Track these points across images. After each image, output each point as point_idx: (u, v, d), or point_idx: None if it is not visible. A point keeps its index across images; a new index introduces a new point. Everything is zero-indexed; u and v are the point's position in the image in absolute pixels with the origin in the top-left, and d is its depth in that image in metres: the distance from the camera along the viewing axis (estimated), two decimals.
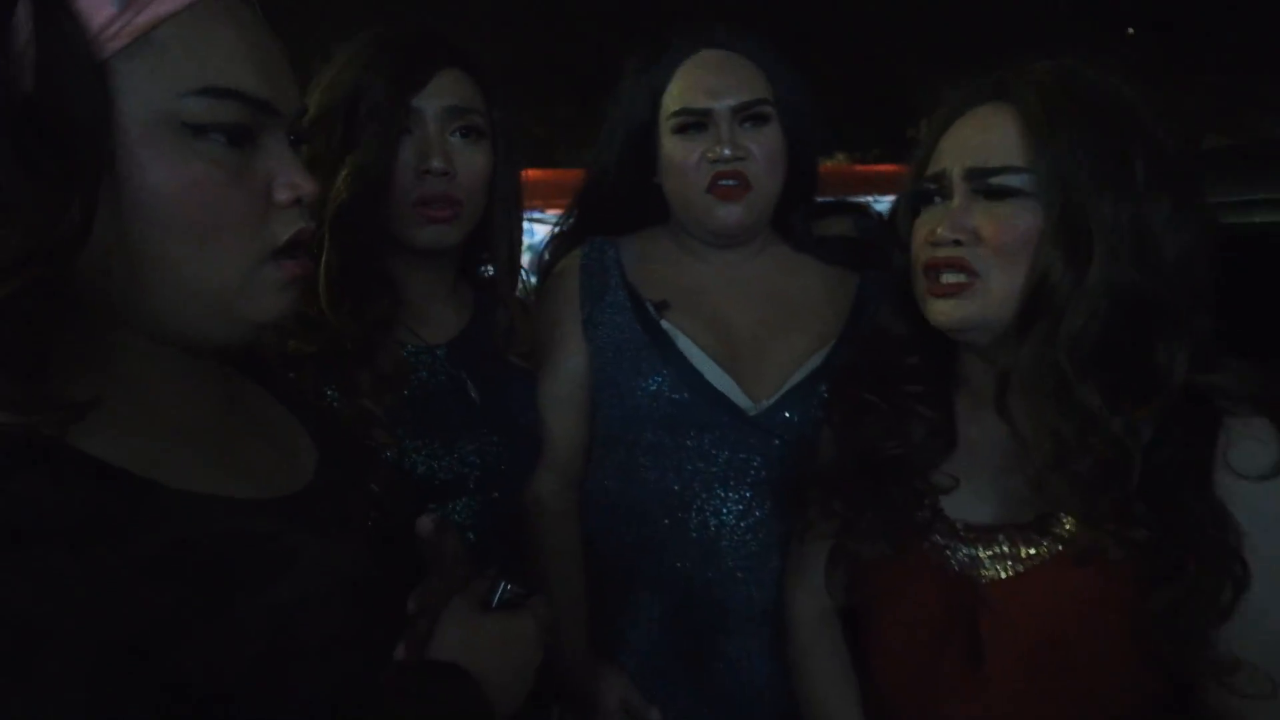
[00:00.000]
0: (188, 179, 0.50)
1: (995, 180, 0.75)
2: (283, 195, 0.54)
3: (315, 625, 0.52)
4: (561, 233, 1.25)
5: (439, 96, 0.97)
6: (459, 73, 0.99)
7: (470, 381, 1.06)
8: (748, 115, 1.06)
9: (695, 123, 1.07)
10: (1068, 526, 0.76)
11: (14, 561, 0.40)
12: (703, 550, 1.09)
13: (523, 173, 1.10)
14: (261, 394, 0.67)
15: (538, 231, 1.37)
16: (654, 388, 1.09)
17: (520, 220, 1.10)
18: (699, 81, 1.07)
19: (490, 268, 1.12)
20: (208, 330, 0.54)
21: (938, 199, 0.80)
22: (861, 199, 1.29)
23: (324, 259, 0.93)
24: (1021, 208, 0.75)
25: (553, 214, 1.32)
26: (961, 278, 0.77)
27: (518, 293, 1.17)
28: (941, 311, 0.78)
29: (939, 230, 0.76)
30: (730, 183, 1.05)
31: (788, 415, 1.08)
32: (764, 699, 1.11)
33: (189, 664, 0.46)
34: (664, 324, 1.11)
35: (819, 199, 1.21)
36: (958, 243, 0.76)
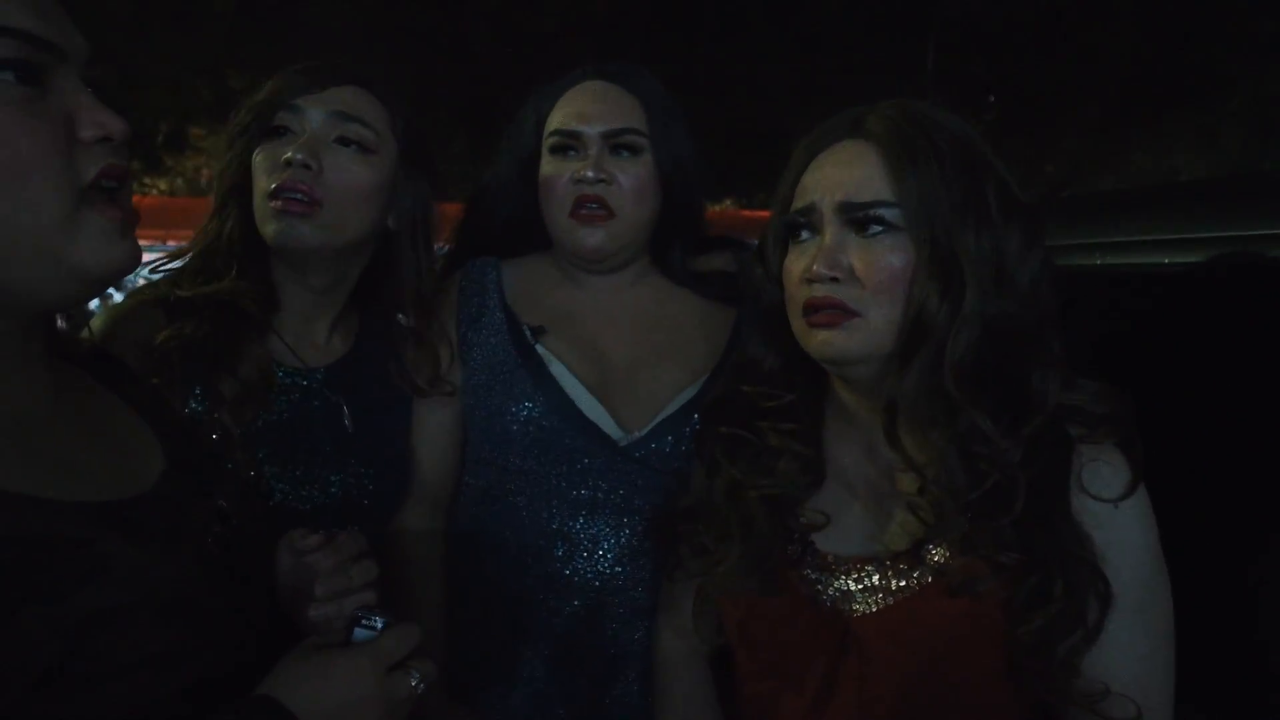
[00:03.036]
0: None
1: (866, 214, 0.76)
2: (87, 132, 0.53)
3: (120, 642, 0.49)
4: (449, 250, 1.23)
5: (325, 102, 0.98)
6: (359, 90, 1.00)
7: (346, 408, 1.03)
8: (619, 143, 1.08)
9: (568, 145, 1.08)
10: (937, 557, 0.76)
11: None
12: (583, 588, 1.06)
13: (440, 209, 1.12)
14: (110, 399, 0.64)
15: None
16: (525, 414, 1.07)
17: (431, 254, 1.09)
18: (577, 106, 1.09)
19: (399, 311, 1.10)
20: (39, 284, 0.53)
21: (806, 233, 0.80)
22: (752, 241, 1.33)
23: (225, 231, 0.97)
24: (894, 243, 0.75)
25: (441, 247, 1.32)
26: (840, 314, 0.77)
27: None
28: (824, 342, 0.77)
29: (815, 267, 0.76)
30: (592, 207, 1.06)
31: (658, 447, 1.07)
32: None
33: None
34: (539, 348, 1.10)
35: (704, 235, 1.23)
36: (835, 280, 0.76)
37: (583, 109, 1.08)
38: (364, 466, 1.03)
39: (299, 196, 0.95)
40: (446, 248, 1.23)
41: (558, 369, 1.09)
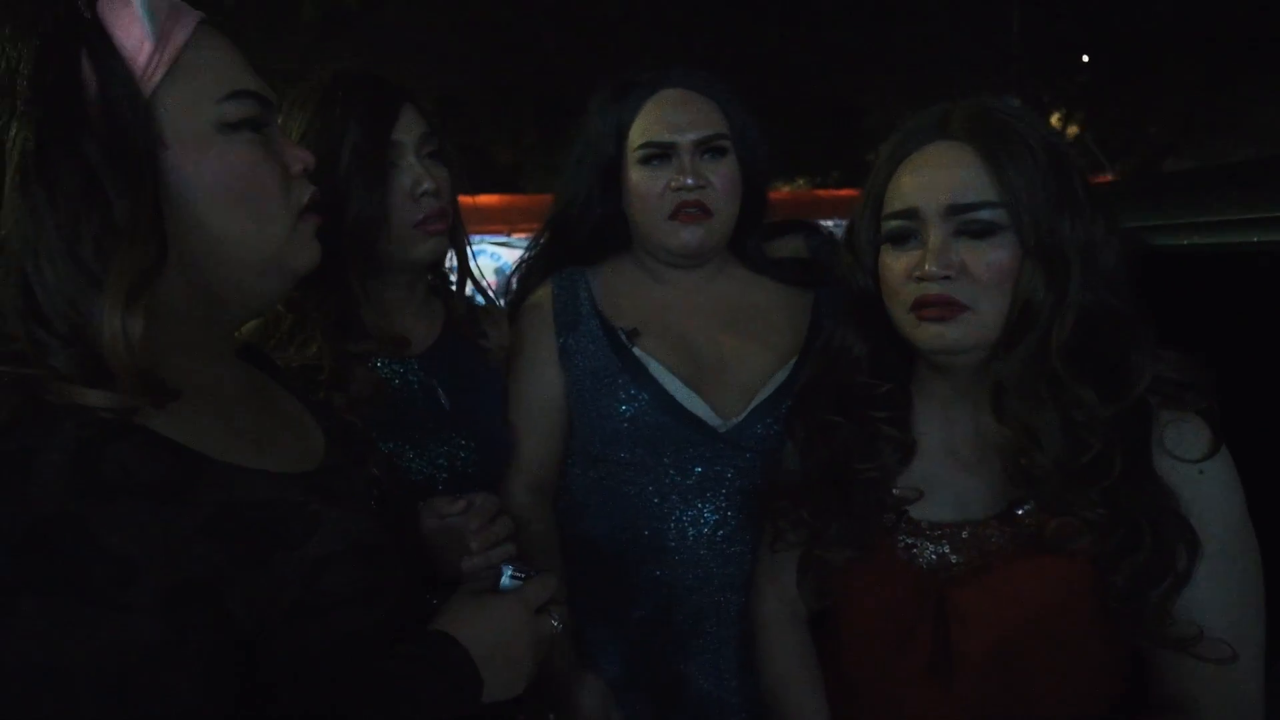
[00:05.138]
0: (237, 166, 0.62)
1: (974, 216, 0.80)
2: (296, 166, 0.67)
3: (336, 581, 0.61)
4: (531, 259, 1.30)
5: (411, 128, 1.07)
6: (412, 105, 1.09)
7: (441, 389, 1.13)
8: (708, 148, 1.14)
9: (660, 154, 1.14)
10: (1028, 519, 0.81)
11: (112, 512, 0.50)
12: (681, 558, 1.15)
13: (489, 197, 1.19)
14: (275, 386, 0.76)
15: (503, 255, 1.40)
16: (631, 412, 1.15)
17: (464, 227, 1.20)
18: (663, 117, 1.15)
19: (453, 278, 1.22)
20: (264, 286, 0.66)
21: (908, 235, 0.84)
22: (824, 222, 1.36)
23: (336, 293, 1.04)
24: (1001, 240, 0.80)
25: (519, 238, 1.41)
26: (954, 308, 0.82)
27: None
28: (937, 335, 0.82)
29: (928, 267, 0.80)
30: (693, 210, 1.13)
31: (757, 430, 1.14)
32: (734, 713, 1.15)
33: (237, 606, 0.55)
34: (635, 350, 1.18)
35: (772, 220, 1.29)
36: (947, 277, 0.80)
37: (671, 119, 1.14)
38: (464, 439, 1.12)
39: (440, 219, 1.08)
40: (542, 239, 1.30)
41: (655, 368, 1.16)
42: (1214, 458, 0.78)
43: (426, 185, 1.06)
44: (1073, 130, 12.59)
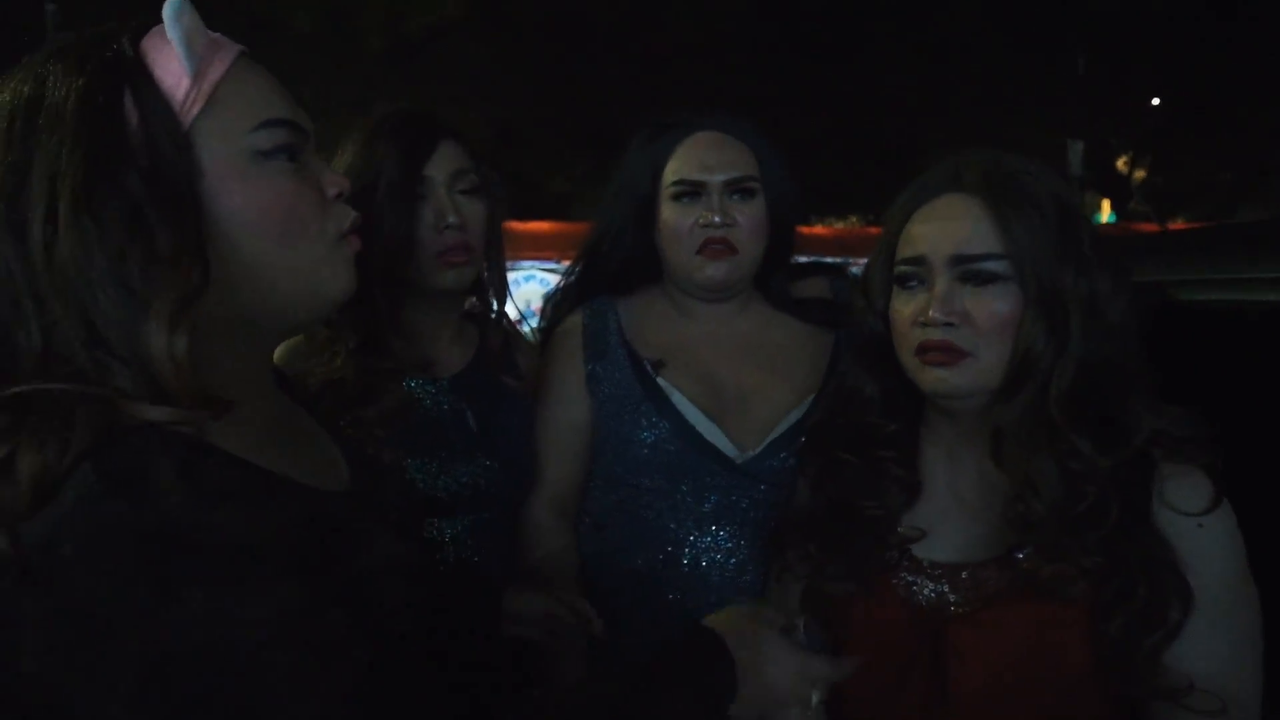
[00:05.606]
0: (273, 194, 0.62)
1: (978, 266, 0.83)
2: (332, 191, 0.67)
3: (388, 593, 0.63)
4: (567, 285, 1.36)
5: (444, 164, 1.14)
6: (453, 141, 1.16)
7: (469, 411, 1.19)
8: (737, 188, 1.20)
9: (691, 192, 1.20)
10: (1026, 564, 0.83)
11: (225, 511, 0.54)
12: (694, 583, 1.18)
13: (541, 224, 1.22)
14: (303, 412, 0.78)
15: (552, 281, 1.45)
16: (652, 439, 1.20)
17: (503, 259, 1.25)
18: (696, 157, 1.21)
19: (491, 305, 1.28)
20: (303, 311, 0.67)
21: (915, 281, 0.88)
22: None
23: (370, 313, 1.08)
24: (1003, 290, 0.83)
25: (568, 265, 1.41)
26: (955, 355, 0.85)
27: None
28: (939, 379, 0.85)
29: (931, 314, 0.84)
30: (719, 246, 1.19)
31: (772, 463, 1.18)
32: None
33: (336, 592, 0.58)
34: (660, 381, 1.23)
35: (801, 260, 1.34)
36: (949, 324, 0.83)
37: (703, 159, 1.21)
38: (489, 460, 1.17)
39: (462, 251, 1.14)
40: (577, 267, 1.35)
41: (678, 399, 1.21)
42: (1214, 512, 0.79)
43: (451, 219, 1.12)
44: (1140, 175, 12.25)
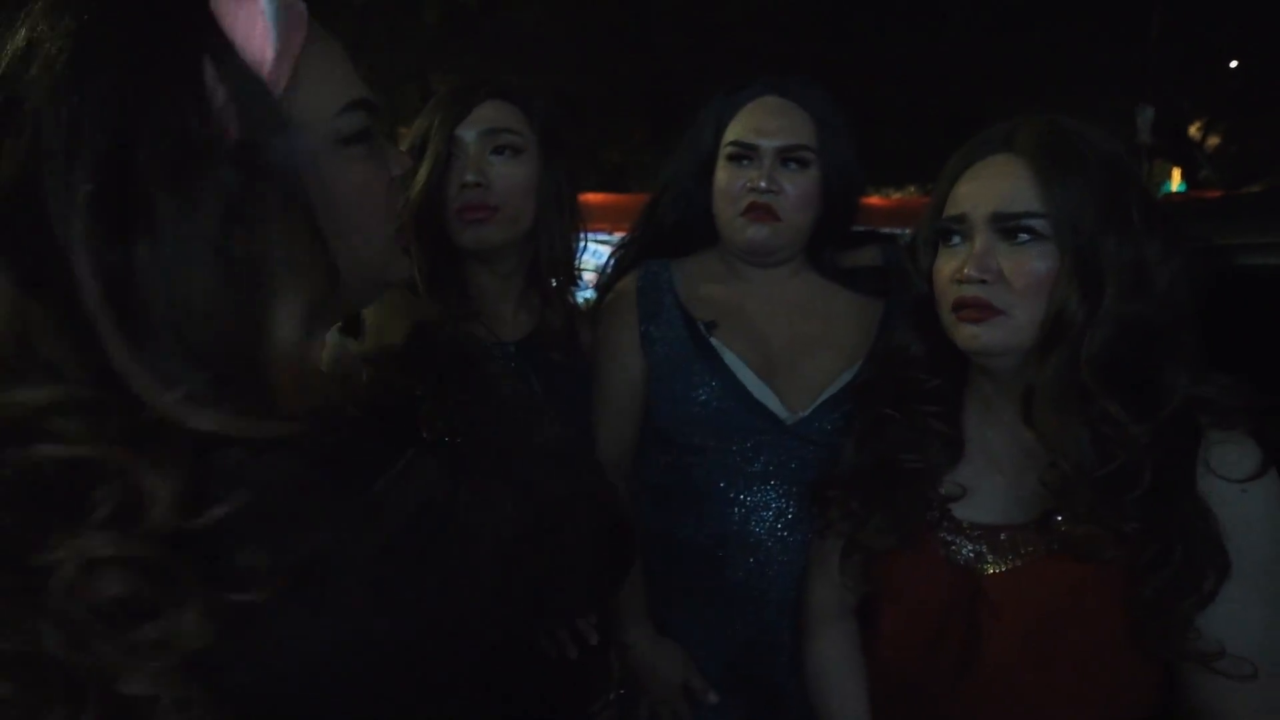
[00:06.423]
0: (358, 181, 0.57)
1: (1017, 224, 0.84)
2: (397, 170, 0.62)
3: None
4: (624, 246, 1.39)
5: (477, 124, 1.16)
6: (498, 101, 1.17)
7: (535, 377, 1.22)
8: (790, 157, 1.20)
9: (744, 155, 1.21)
10: (1063, 526, 0.84)
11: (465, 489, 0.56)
12: (744, 540, 1.22)
13: (594, 196, 1.25)
14: None
15: (604, 253, 1.45)
16: (704, 397, 1.22)
17: (570, 219, 1.25)
18: (754, 121, 1.22)
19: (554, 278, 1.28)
20: (361, 295, 0.64)
21: (958, 239, 0.89)
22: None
23: (423, 241, 1.14)
24: (1040, 250, 0.84)
25: (620, 236, 1.44)
26: (987, 311, 0.86)
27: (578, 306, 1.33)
28: (971, 335, 0.87)
29: (967, 270, 0.85)
30: (761, 211, 1.20)
31: (822, 425, 1.20)
32: (790, 697, 1.21)
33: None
34: (713, 341, 1.25)
35: (857, 230, 1.33)
36: (984, 281, 0.85)
37: (760, 124, 1.21)
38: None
39: (479, 209, 1.16)
40: (636, 230, 1.38)
41: (730, 358, 1.23)
42: (1259, 479, 0.79)
43: (469, 177, 1.15)
44: (1213, 142, 11.61)
